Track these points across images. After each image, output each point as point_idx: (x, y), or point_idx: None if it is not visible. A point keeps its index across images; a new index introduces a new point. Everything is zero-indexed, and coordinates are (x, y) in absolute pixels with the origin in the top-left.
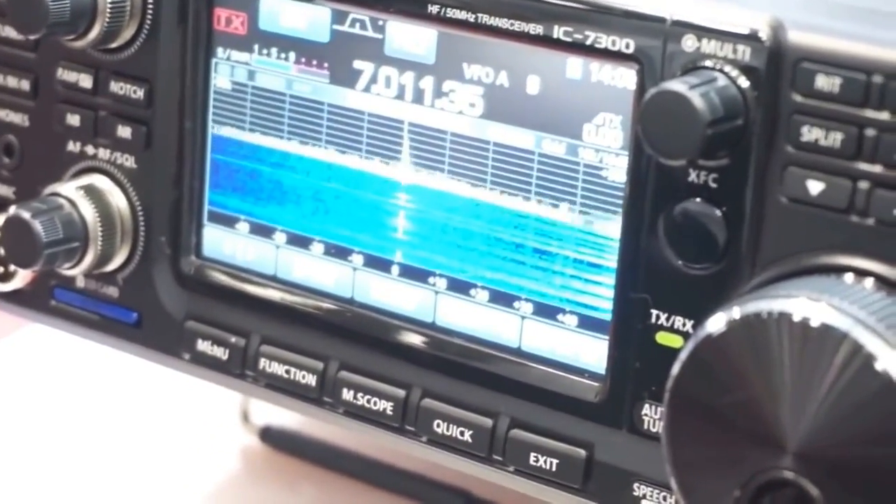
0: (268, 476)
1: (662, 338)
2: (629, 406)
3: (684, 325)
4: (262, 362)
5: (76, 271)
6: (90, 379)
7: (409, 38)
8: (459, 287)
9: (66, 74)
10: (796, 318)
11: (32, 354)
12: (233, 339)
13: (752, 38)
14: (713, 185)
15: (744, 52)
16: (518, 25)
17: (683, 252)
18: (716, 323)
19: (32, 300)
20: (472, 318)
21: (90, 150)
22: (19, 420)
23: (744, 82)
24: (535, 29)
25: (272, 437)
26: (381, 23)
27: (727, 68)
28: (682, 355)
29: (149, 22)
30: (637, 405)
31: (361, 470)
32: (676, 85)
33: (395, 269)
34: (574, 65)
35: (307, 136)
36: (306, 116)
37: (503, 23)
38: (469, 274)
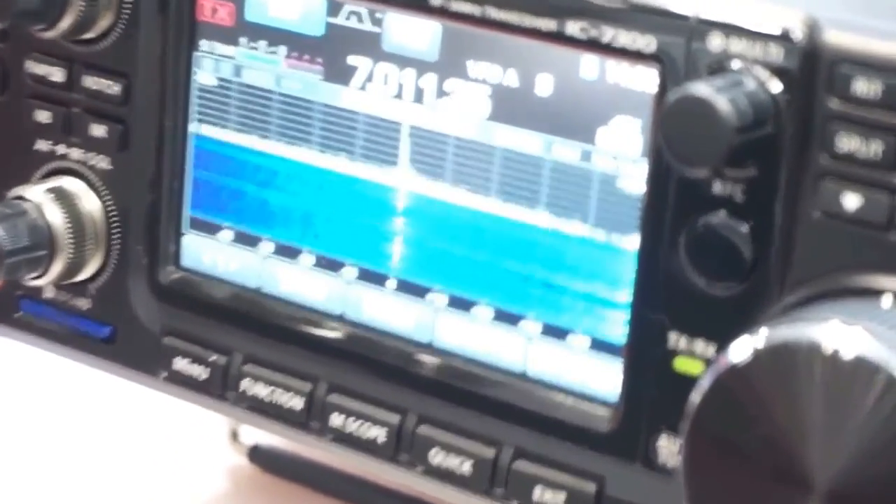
0: (256, 498)
1: (681, 363)
2: (644, 437)
3: (705, 349)
4: (245, 383)
5: (43, 282)
6: (68, 393)
7: (410, 32)
8: (460, 304)
9: (35, 67)
10: (827, 346)
11: (3, 363)
12: (213, 357)
13: (784, 38)
14: (740, 198)
15: (775, 53)
16: (528, 20)
17: (706, 270)
18: (740, 351)
19: None
20: (473, 338)
21: (61, 149)
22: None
23: (775, 86)
24: (548, 24)
25: (261, 457)
26: (379, 15)
27: (757, 70)
28: (704, 384)
29: (126, 11)
30: (652, 436)
31: (354, 493)
32: (701, 88)
33: (390, 284)
34: (589, 64)
35: (297, 138)
36: (296, 116)
37: (512, 17)
38: (471, 290)
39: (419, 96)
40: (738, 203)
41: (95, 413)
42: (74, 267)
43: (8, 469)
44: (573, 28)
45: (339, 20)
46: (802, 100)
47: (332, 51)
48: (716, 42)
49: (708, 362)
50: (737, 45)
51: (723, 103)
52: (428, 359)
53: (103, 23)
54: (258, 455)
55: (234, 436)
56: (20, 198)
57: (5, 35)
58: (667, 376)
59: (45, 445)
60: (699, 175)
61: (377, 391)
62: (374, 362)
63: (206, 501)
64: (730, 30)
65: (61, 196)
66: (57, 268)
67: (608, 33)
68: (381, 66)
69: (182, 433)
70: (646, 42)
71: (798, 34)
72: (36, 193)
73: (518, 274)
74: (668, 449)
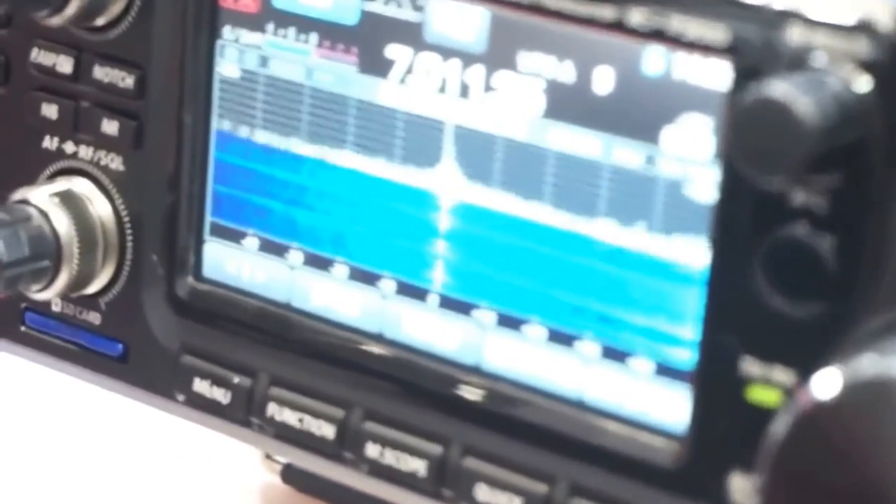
0: None
1: (756, 392)
2: (715, 474)
3: (783, 377)
4: (271, 408)
5: (48, 295)
6: (91, 406)
7: (455, 20)
8: (510, 323)
9: (41, 56)
10: None
11: (21, 375)
12: (236, 380)
13: (872, 30)
14: (824, 209)
15: (863, 47)
16: (586, 8)
17: (784, 288)
18: (827, 385)
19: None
20: (524, 361)
21: (69, 147)
22: (20, 451)
23: (863, 84)
24: (607, 13)
25: (295, 477)
26: (420, 2)
27: (842, 67)
28: (786, 421)
29: None
30: (724, 474)
31: None
32: (779, 87)
33: (432, 300)
34: (653, 57)
35: (329, 137)
36: (329, 113)
37: (568, 4)
38: (522, 307)
39: (465, 91)
40: (822, 214)
41: (122, 430)
42: (83, 278)
43: (34, 489)
44: (636, 17)
45: (376, 7)
46: (894, 100)
47: (368, 40)
48: (796, 35)
49: (786, 391)
50: (819, 38)
51: (805, 105)
52: (474, 383)
53: (115, 8)
54: (291, 475)
55: (267, 454)
56: (23, 201)
57: (7, 21)
58: (740, 406)
59: (74, 463)
60: (775, 185)
61: (417, 419)
62: (414, 386)
63: None
64: (812, 21)
65: (69, 200)
66: (63, 280)
67: (675, 23)
68: (423, 57)
69: (213, 451)
70: (717, 33)
71: (887, 26)
72: (39, 198)
73: (574, 290)
74: (742, 488)
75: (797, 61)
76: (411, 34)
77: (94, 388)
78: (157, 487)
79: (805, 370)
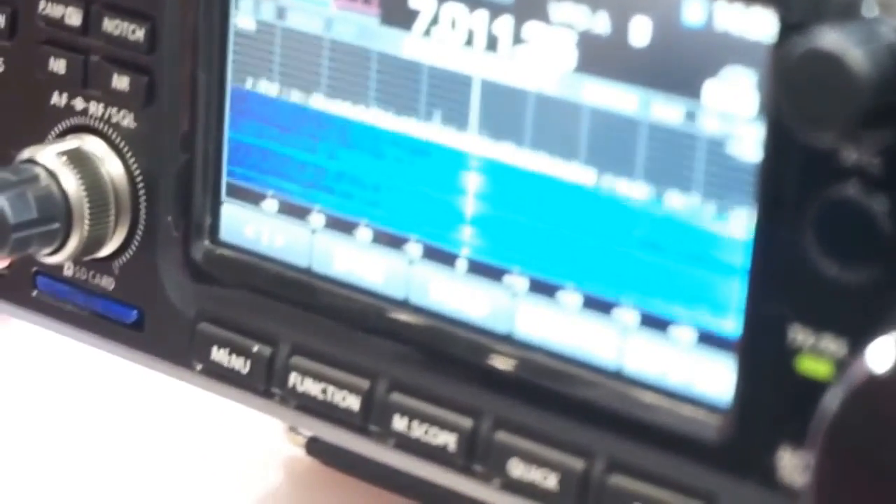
0: (314, 493)
1: (806, 363)
2: (762, 450)
3: (835, 347)
4: (293, 378)
5: (59, 258)
6: (113, 377)
7: None
8: (544, 289)
9: (49, 8)
10: None
11: (39, 343)
12: (256, 348)
13: None
14: (878, 167)
15: None
16: None
17: (836, 252)
18: (881, 356)
19: (11, 290)
20: (559, 329)
21: (79, 104)
22: (39, 423)
23: None
24: None
25: (319, 450)
26: None
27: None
28: (839, 394)
29: None
30: (771, 448)
31: (417, 489)
32: (829, 38)
33: (461, 265)
34: (693, 6)
35: (351, 93)
36: (350, 67)
37: None
38: (556, 273)
39: (492, 44)
40: (875, 173)
41: (144, 400)
42: (95, 241)
43: (58, 460)
44: None
45: None
46: None
47: None
48: None
49: (838, 362)
50: None
51: (857, 58)
52: (506, 353)
53: None
54: (316, 447)
55: (292, 427)
56: (31, 161)
57: None
58: (789, 378)
59: (93, 435)
60: (826, 142)
61: (446, 390)
62: (442, 356)
63: (261, 496)
64: None
65: (78, 159)
66: (72, 243)
67: None
68: (449, 6)
69: (235, 422)
70: None
71: None
72: (49, 156)
73: (611, 254)
74: (791, 464)
75: (847, 10)
76: None
77: (109, 357)
78: (180, 460)
79: (858, 340)
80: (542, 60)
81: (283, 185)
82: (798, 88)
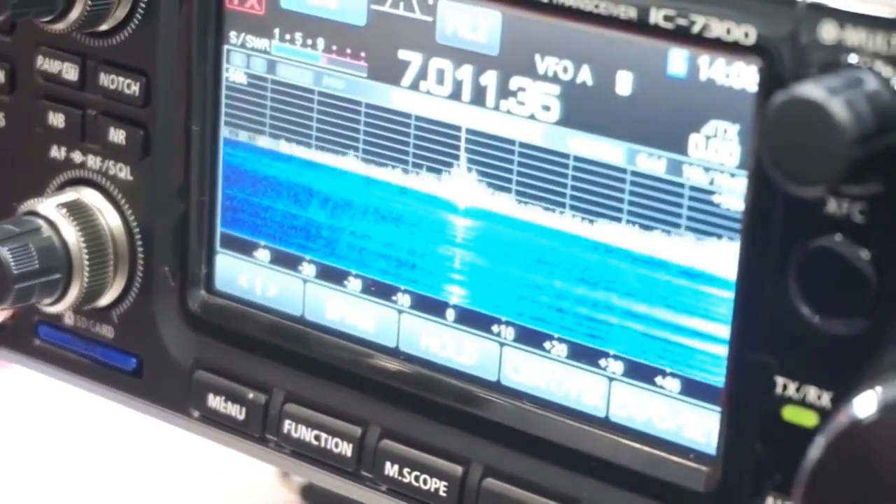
0: None
1: (791, 413)
2: (748, 499)
3: (819, 397)
4: (287, 425)
5: (60, 307)
6: (109, 422)
7: (467, 21)
8: (531, 338)
9: (47, 64)
10: None
11: (38, 386)
12: (251, 395)
13: None
14: (860, 219)
15: None
16: (605, 7)
17: (819, 303)
18: (864, 404)
19: (13, 338)
20: (546, 377)
21: (77, 157)
22: (37, 466)
23: None
24: (628, 12)
25: (315, 497)
26: (431, 1)
27: (879, 66)
28: (822, 442)
29: None
30: (758, 499)
31: None
32: (812, 89)
33: (450, 314)
34: (677, 59)
35: (340, 144)
36: (339, 119)
37: (586, 4)
38: (543, 322)
39: (479, 96)
40: (859, 225)
41: (139, 446)
42: (94, 290)
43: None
44: (658, 16)
45: (385, 7)
46: None
47: (377, 43)
48: (829, 32)
49: (822, 412)
50: (854, 35)
51: (838, 108)
52: (494, 401)
53: (120, 12)
54: (311, 494)
55: (286, 472)
56: (32, 213)
57: (12, 27)
58: (775, 427)
59: (89, 479)
60: (810, 194)
61: (436, 438)
62: (432, 404)
63: None
64: (845, 17)
65: (78, 211)
66: (73, 292)
67: (700, 22)
68: (436, 61)
69: (229, 468)
70: (744, 32)
71: None
72: (49, 208)
73: (596, 304)
74: None
75: (831, 61)
76: (423, 36)
77: (108, 403)
78: None
79: (842, 391)
80: (528, 112)
81: (274, 236)
82: (781, 141)
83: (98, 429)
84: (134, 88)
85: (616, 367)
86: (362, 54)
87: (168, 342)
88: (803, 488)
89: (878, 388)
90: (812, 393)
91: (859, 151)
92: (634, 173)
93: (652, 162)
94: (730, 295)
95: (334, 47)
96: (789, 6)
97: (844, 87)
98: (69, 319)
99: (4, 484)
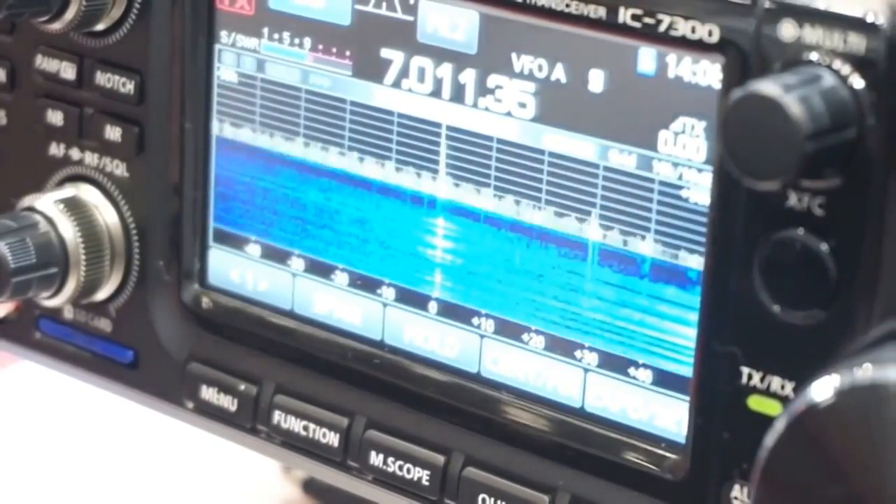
0: None
1: (756, 402)
2: (715, 486)
3: (783, 387)
4: (277, 416)
5: (57, 301)
6: (109, 414)
7: (447, 21)
8: (510, 331)
9: (45, 63)
10: None
11: (38, 385)
12: (242, 387)
13: (867, 25)
14: (819, 213)
15: (857, 43)
16: (577, 7)
17: (782, 295)
18: (821, 390)
19: (15, 332)
20: (524, 369)
21: (75, 153)
22: (36, 459)
23: (857, 82)
24: (598, 11)
25: (316, 490)
26: (412, 1)
27: (836, 64)
28: (778, 427)
29: None
30: (724, 485)
31: None
32: (768, 86)
33: (432, 307)
34: (646, 57)
35: (327, 141)
36: (326, 117)
37: (559, 4)
38: (521, 315)
39: (458, 94)
40: (818, 218)
41: (139, 438)
42: (91, 285)
43: (54, 495)
44: (626, 16)
45: (368, 7)
46: (890, 98)
47: (361, 42)
48: (788, 31)
49: (785, 402)
50: (812, 34)
51: (792, 104)
52: (475, 392)
53: (115, 12)
54: (313, 487)
55: (288, 467)
56: (30, 209)
57: (11, 28)
58: (741, 415)
59: (89, 472)
60: (767, 188)
61: (420, 428)
62: (415, 395)
63: None
64: (804, 16)
65: (74, 207)
66: (70, 286)
67: (666, 21)
68: (416, 59)
69: (231, 462)
70: (708, 31)
71: (883, 20)
72: (45, 205)
73: (572, 297)
74: (742, 500)
75: (791, 59)
76: (404, 36)
77: (109, 399)
78: (177, 499)
79: (804, 380)
80: (505, 109)
81: (264, 231)
82: (738, 136)
83: (101, 424)
84: (129, 87)
85: (591, 358)
86: (347, 53)
87: (163, 335)
88: (760, 470)
89: (835, 375)
90: (776, 383)
91: (814, 146)
92: (607, 168)
93: (623, 157)
94: (697, 288)
95: (320, 46)
96: (749, 5)
97: (800, 83)
98: (69, 313)
99: (7, 480)
